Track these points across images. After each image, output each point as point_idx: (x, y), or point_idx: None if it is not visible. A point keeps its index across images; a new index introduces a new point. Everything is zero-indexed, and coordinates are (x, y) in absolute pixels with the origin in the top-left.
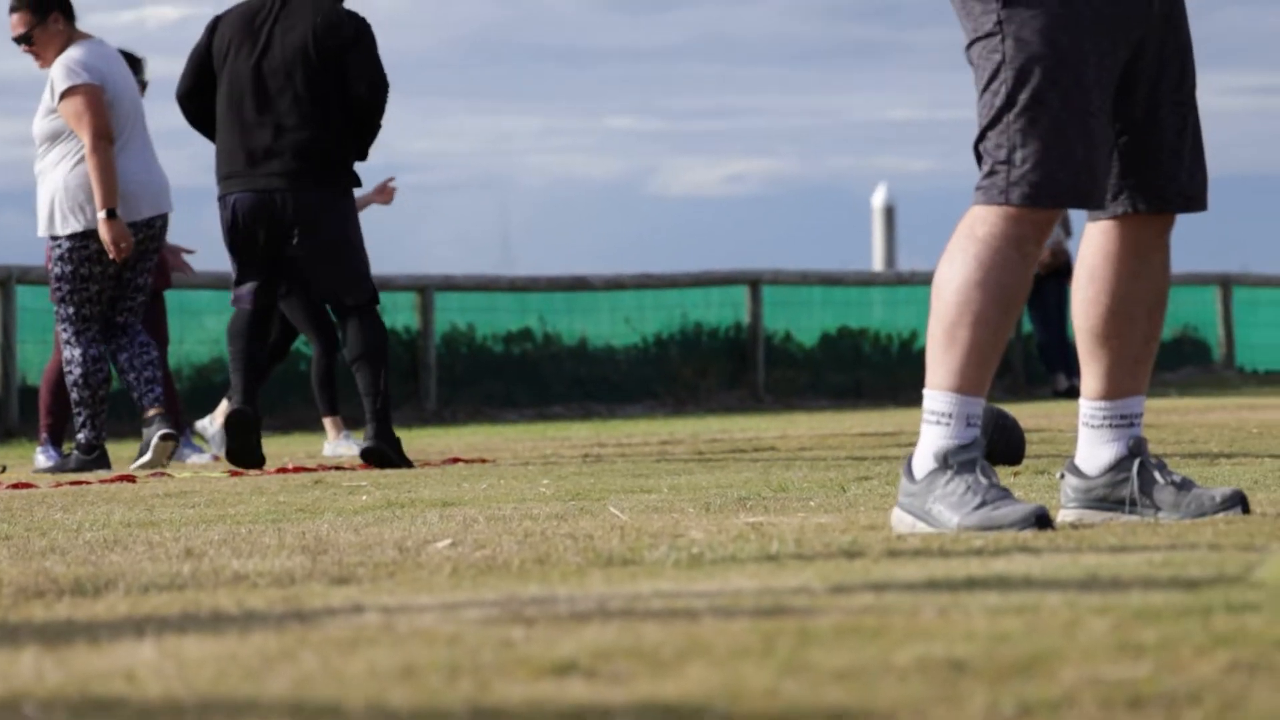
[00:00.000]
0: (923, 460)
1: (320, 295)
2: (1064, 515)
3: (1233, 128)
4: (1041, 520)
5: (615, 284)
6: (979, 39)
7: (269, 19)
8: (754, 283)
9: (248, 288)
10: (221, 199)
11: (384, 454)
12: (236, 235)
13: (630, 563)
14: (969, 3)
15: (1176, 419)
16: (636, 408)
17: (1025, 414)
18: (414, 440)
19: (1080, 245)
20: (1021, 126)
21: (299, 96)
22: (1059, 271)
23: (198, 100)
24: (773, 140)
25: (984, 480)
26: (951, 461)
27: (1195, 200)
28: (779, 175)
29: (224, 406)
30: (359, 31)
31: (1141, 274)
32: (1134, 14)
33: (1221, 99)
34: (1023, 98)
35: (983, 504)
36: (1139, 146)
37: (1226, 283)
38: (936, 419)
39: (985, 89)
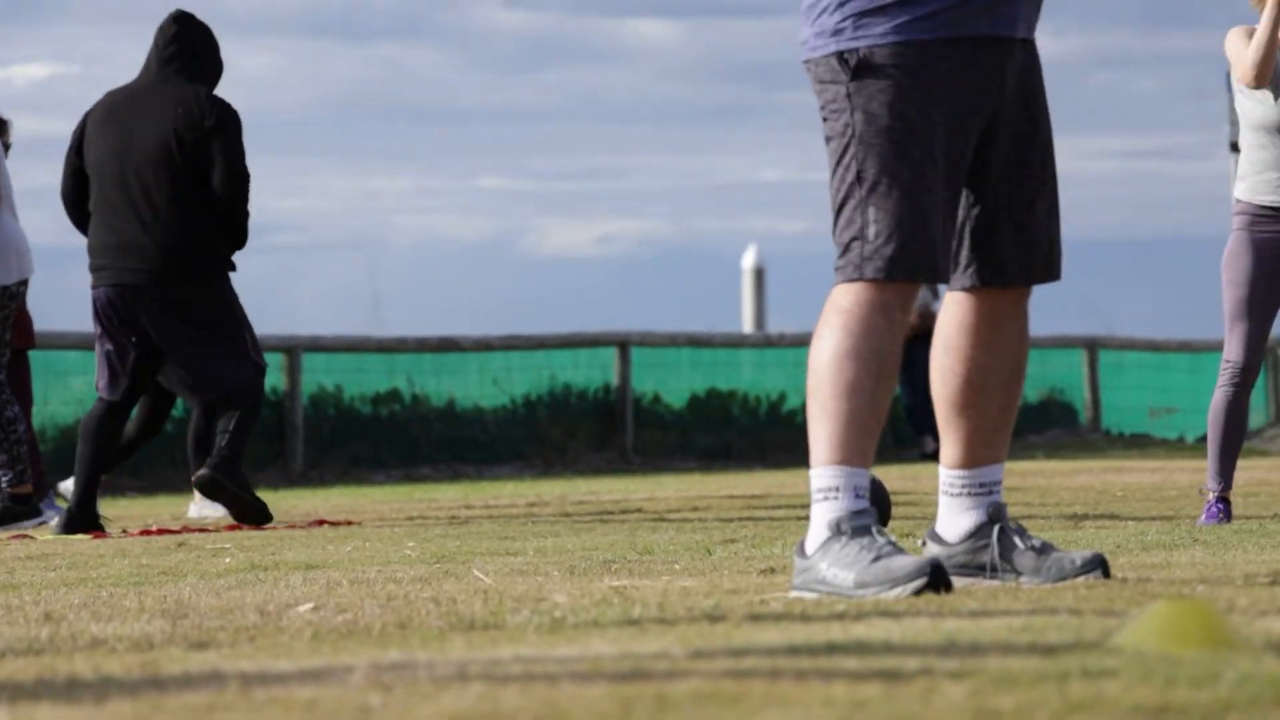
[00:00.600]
0: (815, 535)
1: (198, 389)
2: None
3: (1099, 191)
4: (936, 571)
5: (484, 345)
6: (830, 113)
7: (133, 109)
8: (622, 344)
9: (107, 379)
10: (92, 290)
11: (218, 483)
12: (103, 327)
13: (492, 627)
14: (824, 81)
15: (1043, 481)
16: (505, 469)
17: (893, 476)
18: (280, 502)
19: (939, 315)
20: (874, 201)
21: (162, 188)
22: (927, 335)
23: (77, 203)
24: (643, 201)
25: (879, 539)
26: (845, 528)
27: (1045, 273)
28: (649, 236)
29: None
30: (221, 121)
31: (996, 345)
32: (985, 89)
33: (1089, 163)
34: (873, 172)
35: (877, 558)
36: (989, 219)
37: (1093, 345)
38: (825, 495)
39: (837, 164)
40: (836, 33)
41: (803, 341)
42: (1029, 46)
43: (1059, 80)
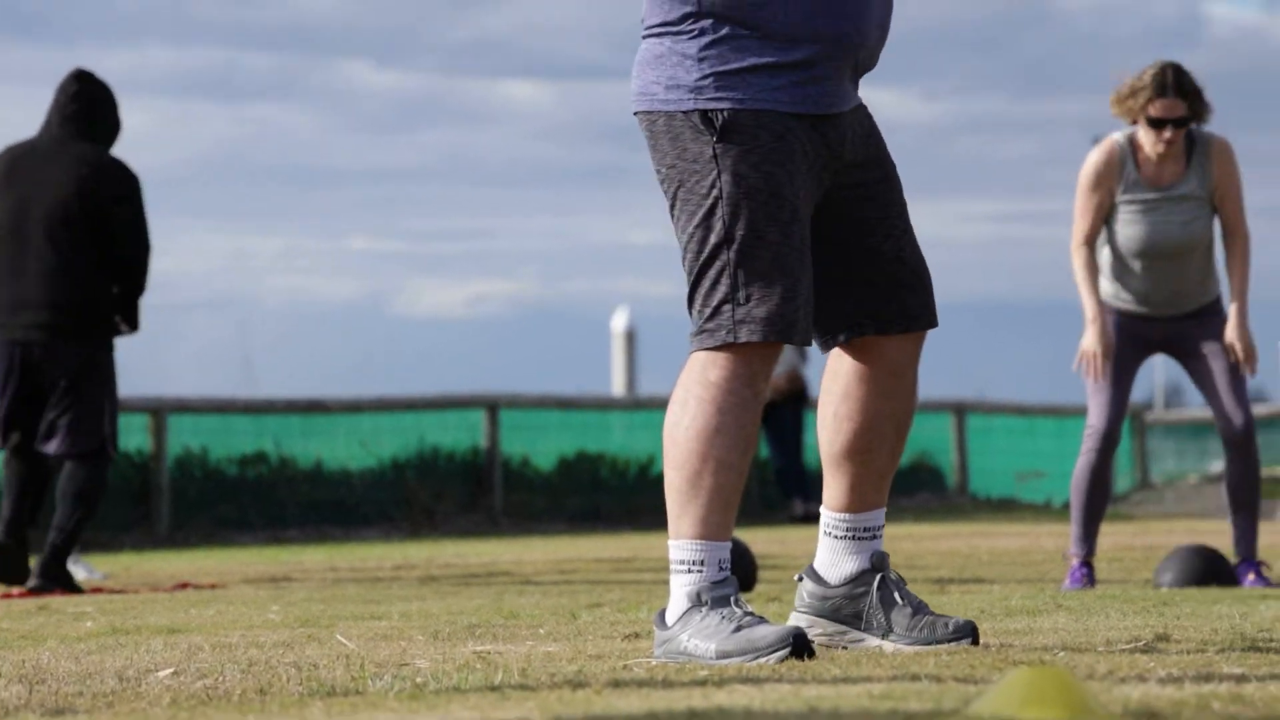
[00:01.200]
0: (675, 606)
1: (56, 447)
2: (796, 618)
3: (968, 255)
4: (798, 640)
5: (352, 406)
6: (687, 173)
7: (34, 166)
8: (492, 406)
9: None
10: None
11: (45, 589)
12: None
13: (352, 693)
14: (678, 136)
15: (910, 545)
16: (373, 531)
17: (760, 539)
18: (144, 564)
19: (829, 365)
20: (744, 263)
21: (60, 247)
22: (795, 397)
23: None
24: (514, 262)
25: (739, 610)
26: (705, 598)
27: (923, 319)
28: (520, 297)
29: None
30: (128, 187)
31: (894, 393)
32: (825, 160)
33: (958, 227)
34: (742, 234)
35: (739, 628)
36: (861, 276)
37: (961, 410)
38: (687, 568)
39: (699, 225)
40: (696, 90)
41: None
42: (861, 108)
43: (929, 145)
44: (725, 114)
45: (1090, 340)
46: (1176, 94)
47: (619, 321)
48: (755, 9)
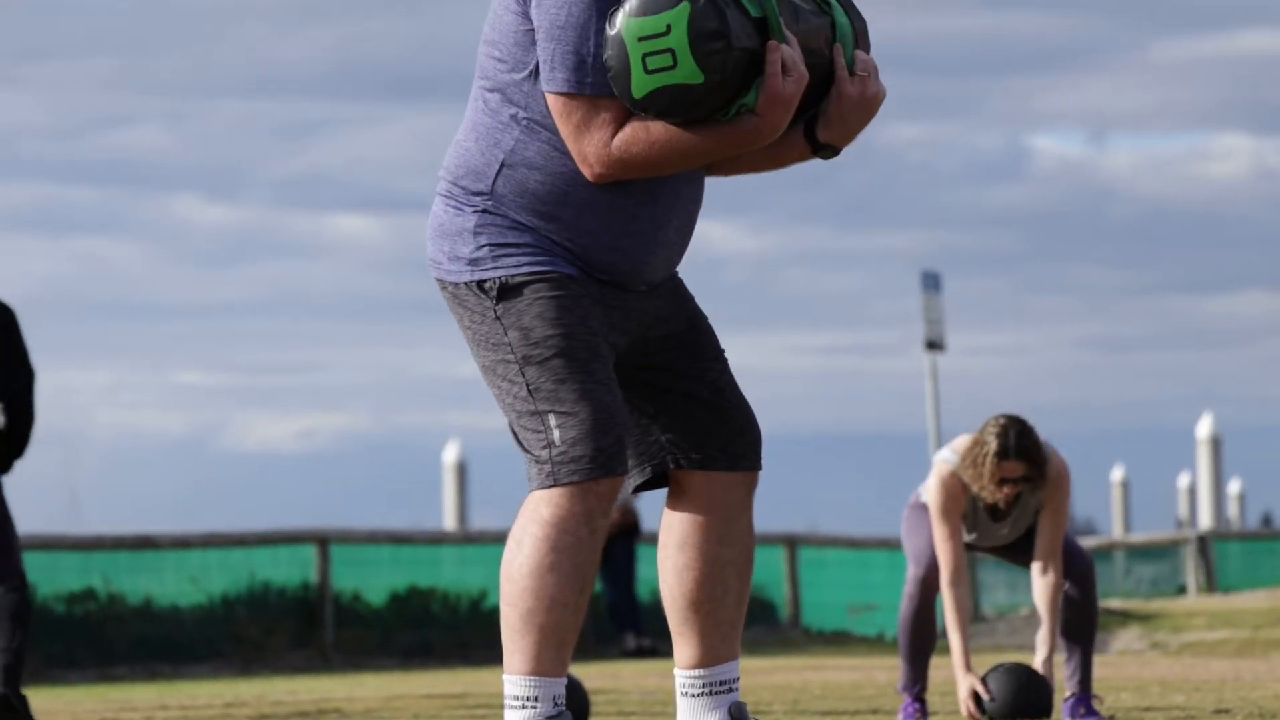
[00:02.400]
0: None
1: None
2: None
3: (795, 387)
4: None
5: (182, 542)
6: (480, 341)
7: None
8: (322, 540)
9: None
10: None
11: (10, 705)
12: None
13: None
14: (464, 302)
15: (743, 680)
16: (203, 668)
17: (592, 673)
18: None
19: (664, 516)
20: (553, 407)
21: None
22: (627, 531)
23: None
24: (344, 395)
25: None
26: None
27: (748, 458)
28: (350, 430)
29: None
30: (6, 321)
31: (729, 537)
32: (628, 309)
33: (786, 359)
34: (546, 382)
35: None
36: (678, 413)
37: (793, 542)
38: (521, 703)
39: (506, 384)
40: (473, 262)
41: (505, 538)
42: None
43: (757, 277)
44: (500, 281)
45: (964, 691)
46: (1019, 456)
47: (450, 454)
48: (544, 219)
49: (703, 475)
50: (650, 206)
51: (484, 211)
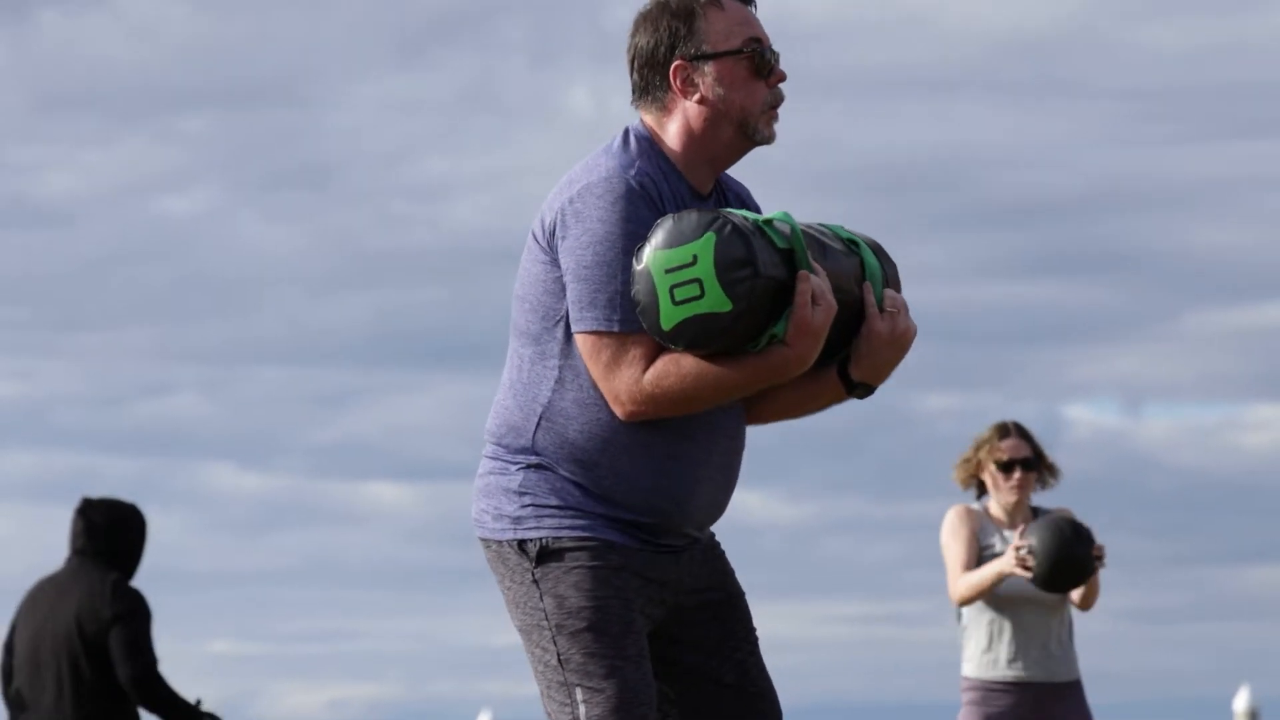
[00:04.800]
0: None
1: None
2: None
3: (829, 656)
4: None
5: None
6: (517, 602)
7: (49, 598)
8: None
9: None
10: None
11: None
12: None
13: None
14: (505, 561)
15: None
16: None
17: None
18: None
19: None
20: (581, 681)
21: (66, 680)
22: None
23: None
24: (377, 664)
25: None
26: None
27: None
28: (382, 700)
29: None
30: (121, 610)
31: None
32: (666, 580)
33: (819, 628)
34: (574, 654)
35: None
36: (702, 701)
37: None
38: None
39: (536, 646)
40: (517, 520)
41: None
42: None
43: (794, 546)
44: (541, 542)
45: (1006, 557)
46: (1019, 435)
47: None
48: (585, 467)
49: None
50: (687, 443)
51: (528, 469)
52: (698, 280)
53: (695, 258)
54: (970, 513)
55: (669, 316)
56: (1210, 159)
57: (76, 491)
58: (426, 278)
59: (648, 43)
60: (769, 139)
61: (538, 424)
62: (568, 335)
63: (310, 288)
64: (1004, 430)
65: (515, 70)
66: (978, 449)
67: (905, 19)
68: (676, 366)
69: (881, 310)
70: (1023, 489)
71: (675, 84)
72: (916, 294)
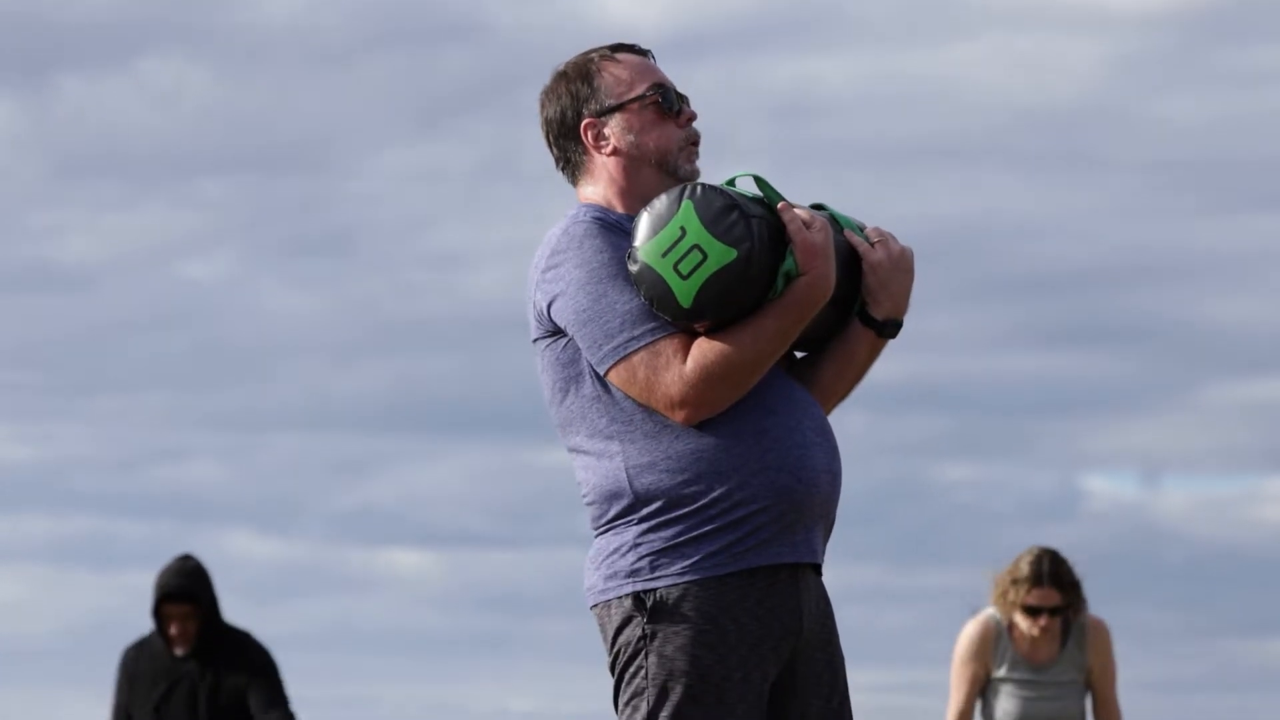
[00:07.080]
0: None
1: None
2: None
3: None
4: None
5: None
6: (621, 654)
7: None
8: None
9: None
10: None
11: None
12: None
13: None
14: (612, 619)
15: None
16: None
17: None
18: None
19: None
20: None
21: None
22: None
23: None
24: None
25: None
26: None
27: None
28: None
29: None
30: (258, 665)
31: None
32: (783, 622)
33: (864, 696)
34: (664, 715)
35: None
36: None
37: None
38: None
39: (627, 703)
40: (632, 574)
41: None
42: (819, 579)
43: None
44: (656, 595)
45: None
46: (1052, 583)
47: None
48: (685, 486)
49: None
50: (773, 416)
51: (641, 521)
52: (695, 246)
53: (683, 229)
54: (988, 634)
55: (685, 292)
56: (1230, 231)
57: (93, 555)
58: (445, 345)
59: (555, 112)
60: (691, 175)
61: (629, 480)
62: (602, 386)
63: (329, 354)
64: (1037, 577)
65: (535, 140)
66: (1014, 585)
67: (928, 91)
68: (710, 342)
69: (871, 245)
70: (1046, 631)
71: (588, 141)
72: (935, 363)
